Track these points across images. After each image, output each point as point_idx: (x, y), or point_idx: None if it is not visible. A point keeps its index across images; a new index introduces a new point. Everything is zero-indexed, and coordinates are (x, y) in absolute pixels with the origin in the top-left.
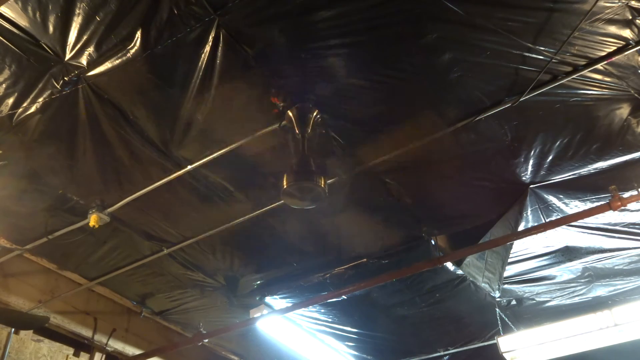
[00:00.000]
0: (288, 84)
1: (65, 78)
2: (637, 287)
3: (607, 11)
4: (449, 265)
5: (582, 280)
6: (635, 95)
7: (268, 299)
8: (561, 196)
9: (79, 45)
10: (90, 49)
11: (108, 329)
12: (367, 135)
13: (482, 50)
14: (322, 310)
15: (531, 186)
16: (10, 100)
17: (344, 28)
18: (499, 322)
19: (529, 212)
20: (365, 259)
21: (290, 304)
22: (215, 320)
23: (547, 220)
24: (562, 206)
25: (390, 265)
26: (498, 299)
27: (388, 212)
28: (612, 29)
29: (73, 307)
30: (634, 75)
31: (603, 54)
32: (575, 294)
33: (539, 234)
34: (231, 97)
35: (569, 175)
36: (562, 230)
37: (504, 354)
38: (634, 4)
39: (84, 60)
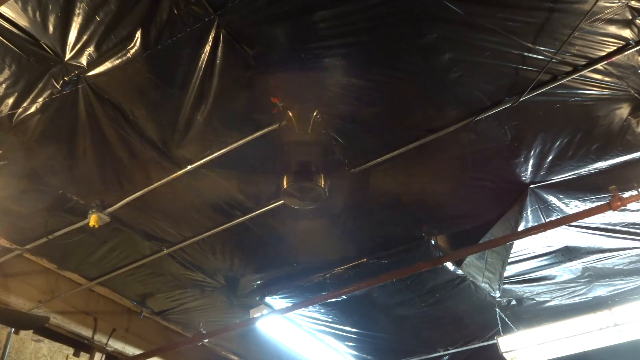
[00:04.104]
0: (288, 84)
1: (65, 78)
2: (637, 287)
3: (607, 11)
4: (449, 265)
5: (582, 280)
6: (635, 95)
7: (268, 299)
8: (561, 196)
9: (79, 45)
10: (90, 49)
11: (108, 329)
12: (367, 135)
13: (482, 50)
14: (322, 310)
15: (531, 186)
16: (10, 100)
17: (344, 28)
18: (499, 322)
19: (529, 212)
20: (365, 259)
21: (290, 304)
22: (215, 320)
23: (547, 220)
24: (562, 206)
25: (390, 265)
26: (498, 299)
27: (388, 212)
28: (612, 29)
29: (73, 307)
30: (634, 75)
31: (603, 54)
32: (575, 294)
33: (539, 234)
34: (231, 97)
35: (569, 175)
36: (562, 230)
37: (504, 354)
38: (634, 4)
39: (84, 60)
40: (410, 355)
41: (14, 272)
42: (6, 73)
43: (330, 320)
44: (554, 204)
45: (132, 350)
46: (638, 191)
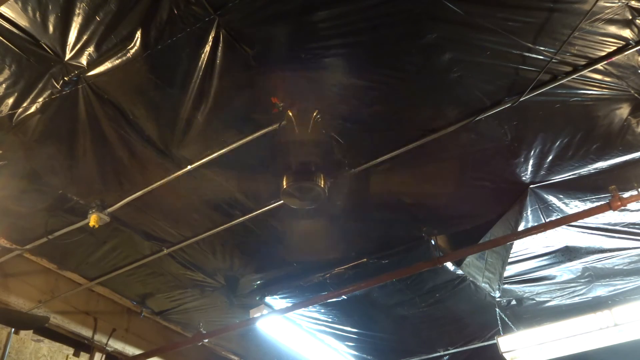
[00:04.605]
0: (288, 84)
1: (65, 78)
2: (637, 287)
3: (607, 11)
4: (449, 265)
5: (582, 280)
6: (635, 95)
7: (268, 299)
8: (561, 196)
9: (79, 45)
10: (90, 49)
11: (108, 329)
12: (367, 135)
13: (482, 50)
14: (322, 310)
15: (531, 186)
16: (10, 100)
17: (344, 28)
18: (499, 322)
19: (529, 212)
20: (365, 259)
21: (290, 304)
22: (215, 320)
23: (547, 220)
24: (562, 206)
25: (390, 265)
26: (498, 299)
27: (388, 212)
28: (612, 29)
29: (73, 307)
30: (634, 75)
31: (603, 54)
32: (575, 294)
33: (539, 234)
34: (231, 97)
35: (569, 175)
36: (562, 230)
37: (504, 354)
38: (634, 4)
39: (84, 60)
40: (410, 355)
41: (14, 272)
42: (6, 73)
43: (330, 320)
44: (554, 204)
45: (132, 350)
46: (638, 191)
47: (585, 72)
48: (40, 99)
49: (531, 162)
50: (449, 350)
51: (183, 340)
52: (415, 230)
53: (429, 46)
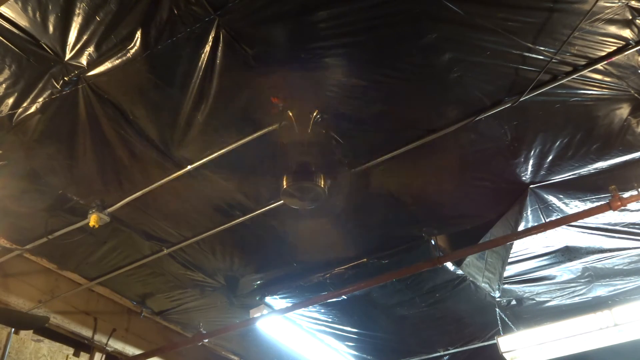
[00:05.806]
0: (288, 84)
1: (65, 78)
2: (637, 287)
3: (607, 11)
4: (449, 265)
5: (582, 280)
6: (635, 95)
7: (268, 299)
8: (561, 196)
9: (79, 45)
10: (90, 49)
11: (108, 329)
12: (367, 135)
13: (482, 50)
14: (322, 310)
15: (531, 186)
16: (10, 100)
17: (343, 28)
18: (499, 322)
19: (529, 212)
20: (365, 259)
21: (290, 304)
22: (215, 320)
23: (547, 220)
24: (562, 206)
25: (390, 265)
26: (498, 299)
27: (388, 212)
28: (612, 29)
29: (73, 307)
30: (634, 75)
31: (603, 54)
32: (575, 294)
33: (539, 234)
34: (231, 97)
35: (569, 175)
36: (562, 230)
37: (504, 354)
38: (634, 4)
39: (84, 60)
40: (410, 355)
41: (14, 272)
42: (6, 73)
43: (330, 320)
44: (554, 204)
45: (132, 350)
46: (638, 191)
47: (585, 72)
48: (40, 99)
49: (531, 162)
50: (449, 350)
51: (183, 340)
52: (415, 230)
53: (429, 46)
